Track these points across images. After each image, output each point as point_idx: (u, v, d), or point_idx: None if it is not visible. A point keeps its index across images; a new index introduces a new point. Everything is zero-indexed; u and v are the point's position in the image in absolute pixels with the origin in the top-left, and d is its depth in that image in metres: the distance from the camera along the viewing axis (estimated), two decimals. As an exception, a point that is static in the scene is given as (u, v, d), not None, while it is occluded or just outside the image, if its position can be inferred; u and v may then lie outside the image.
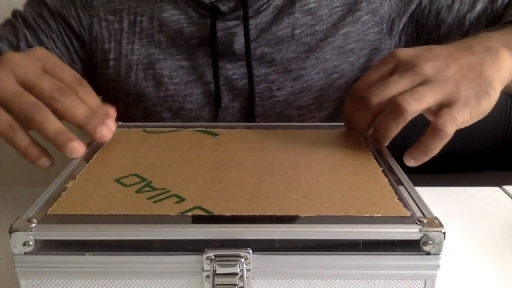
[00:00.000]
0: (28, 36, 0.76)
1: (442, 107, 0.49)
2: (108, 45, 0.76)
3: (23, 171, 1.17)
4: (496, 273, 0.48)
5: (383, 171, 0.46)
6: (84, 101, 0.52)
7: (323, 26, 0.74)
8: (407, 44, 0.77)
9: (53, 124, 0.48)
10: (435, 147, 0.48)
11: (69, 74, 0.54)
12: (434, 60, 0.51)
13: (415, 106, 0.48)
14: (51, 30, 0.77)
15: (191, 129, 0.58)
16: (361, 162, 0.49)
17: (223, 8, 0.72)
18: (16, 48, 0.76)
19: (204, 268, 0.37)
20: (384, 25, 0.75)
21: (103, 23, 0.76)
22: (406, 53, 0.53)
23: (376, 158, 0.50)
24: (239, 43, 0.73)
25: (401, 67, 0.52)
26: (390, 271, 0.37)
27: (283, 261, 0.37)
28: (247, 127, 0.60)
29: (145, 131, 0.57)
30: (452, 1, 0.74)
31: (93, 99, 0.53)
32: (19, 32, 0.76)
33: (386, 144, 0.52)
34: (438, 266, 0.37)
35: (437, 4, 0.74)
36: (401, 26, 0.75)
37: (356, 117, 0.54)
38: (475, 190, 0.64)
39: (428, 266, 0.37)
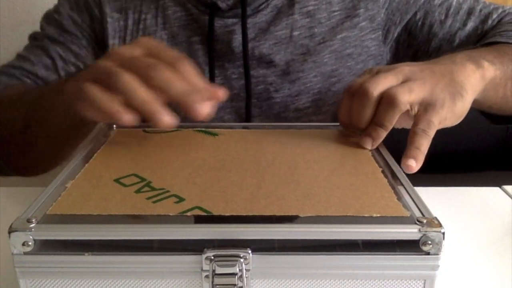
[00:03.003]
0: (61, 52, 0.78)
1: (419, 110, 0.52)
2: (112, 41, 0.76)
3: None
4: (496, 273, 0.48)
5: (382, 171, 0.46)
6: (184, 78, 0.49)
7: (321, 29, 0.74)
8: (397, 52, 0.79)
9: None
10: (424, 146, 0.51)
11: (173, 55, 0.50)
12: (409, 66, 0.55)
13: (407, 97, 0.51)
14: (78, 38, 0.79)
15: (190, 129, 0.58)
16: (360, 162, 0.49)
17: (222, 5, 0.72)
18: (53, 68, 0.77)
19: (204, 268, 0.36)
20: (380, 32, 0.76)
21: (109, 19, 0.76)
22: (384, 65, 0.57)
23: (375, 158, 0.50)
24: (237, 41, 0.73)
25: (383, 70, 0.55)
26: (389, 271, 0.37)
27: (282, 261, 0.37)
28: (246, 127, 0.60)
29: (145, 131, 0.57)
30: (445, 16, 0.75)
31: (194, 77, 0.50)
32: (51, 51, 0.78)
33: (381, 140, 0.53)
34: (438, 266, 0.37)
35: (431, 18, 0.75)
36: (395, 35, 0.77)
37: (356, 112, 0.54)
38: (475, 190, 0.64)
39: (427, 266, 0.37)
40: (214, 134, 0.56)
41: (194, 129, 0.58)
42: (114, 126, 0.58)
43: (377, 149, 0.52)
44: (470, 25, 0.76)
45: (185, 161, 0.48)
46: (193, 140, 0.54)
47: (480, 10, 0.77)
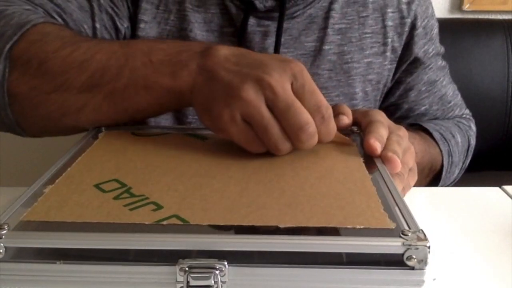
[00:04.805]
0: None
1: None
2: (145, 5, 0.71)
3: (23, 171, 1.17)
4: (496, 273, 0.46)
5: (372, 179, 0.45)
6: (319, 138, 0.49)
7: (351, 48, 0.74)
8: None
9: None
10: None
11: (315, 100, 0.49)
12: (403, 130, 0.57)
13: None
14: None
15: (180, 132, 0.57)
16: (350, 169, 0.47)
17: (259, 5, 0.71)
18: (90, 10, 0.68)
19: (178, 280, 0.35)
20: (395, 64, 0.78)
21: None
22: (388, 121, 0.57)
23: (366, 165, 0.48)
24: (267, 43, 0.72)
25: (395, 132, 0.55)
26: (372, 286, 0.36)
27: (260, 274, 0.36)
28: None
29: (133, 133, 0.56)
30: (425, 88, 0.80)
31: (331, 137, 0.51)
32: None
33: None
34: (423, 281, 0.35)
35: (419, 79, 0.80)
36: (398, 73, 0.79)
37: (391, 148, 0.52)
38: (475, 190, 0.63)
39: (412, 281, 0.35)
40: (204, 138, 0.55)
41: (185, 132, 0.57)
42: (103, 128, 0.57)
43: (369, 155, 0.50)
44: (434, 108, 0.82)
45: (170, 166, 0.47)
46: (180, 144, 0.53)
47: (449, 102, 0.83)
